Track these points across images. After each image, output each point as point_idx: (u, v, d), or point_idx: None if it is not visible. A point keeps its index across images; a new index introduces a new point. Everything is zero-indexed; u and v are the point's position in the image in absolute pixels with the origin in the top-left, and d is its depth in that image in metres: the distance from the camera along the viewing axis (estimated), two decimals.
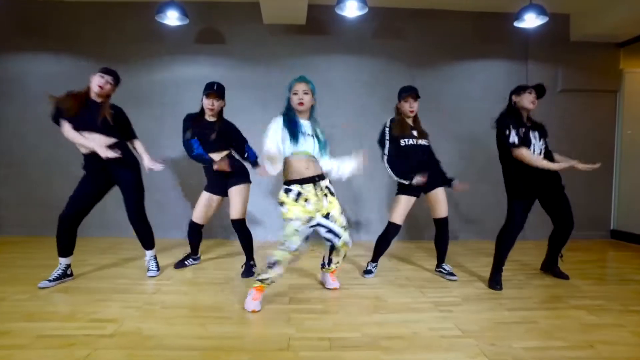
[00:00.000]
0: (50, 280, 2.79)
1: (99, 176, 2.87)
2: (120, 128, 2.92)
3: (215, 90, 3.01)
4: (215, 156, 3.06)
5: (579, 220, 4.78)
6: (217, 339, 2.02)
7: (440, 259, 3.19)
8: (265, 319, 2.29)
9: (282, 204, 2.46)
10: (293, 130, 2.44)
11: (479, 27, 4.71)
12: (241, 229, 3.16)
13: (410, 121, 3.06)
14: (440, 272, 3.19)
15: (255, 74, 4.57)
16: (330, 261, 2.80)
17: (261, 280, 2.43)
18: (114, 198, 3.07)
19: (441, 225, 3.11)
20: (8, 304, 2.44)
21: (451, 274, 3.12)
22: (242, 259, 3.29)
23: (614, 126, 4.85)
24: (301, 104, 2.46)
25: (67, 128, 2.73)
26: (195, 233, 3.32)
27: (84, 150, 2.82)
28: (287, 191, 2.46)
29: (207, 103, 3.03)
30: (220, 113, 3.15)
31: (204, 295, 2.67)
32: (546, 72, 4.72)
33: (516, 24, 4.09)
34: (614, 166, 4.89)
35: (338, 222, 2.54)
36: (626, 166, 4.80)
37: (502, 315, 2.38)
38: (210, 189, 3.22)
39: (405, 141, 2.98)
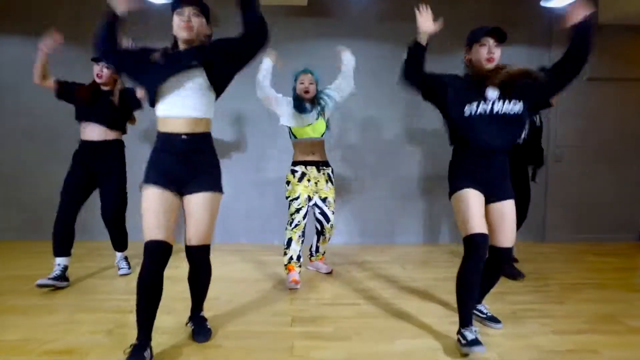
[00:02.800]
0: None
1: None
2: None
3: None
4: None
5: (605, 222, 4.45)
6: None
7: (481, 295, 2.20)
8: (263, 348, 1.86)
9: (288, 182, 2.83)
10: (298, 106, 2.76)
11: (497, 10, 4.25)
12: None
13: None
14: (475, 314, 2.12)
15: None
16: (317, 249, 3.09)
17: (288, 261, 2.74)
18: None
19: (499, 257, 2.01)
20: None
21: (493, 319, 2.14)
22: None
23: None
24: (307, 92, 2.77)
25: None
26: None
27: None
28: (293, 172, 2.81)
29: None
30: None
31: (184, 316, 2.08)
32: None
33: (542, 3, 3.70)
34: None
35: (331, 208, 2.87)
36: None
37: (551, 341, 1.95)
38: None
39: (471, 108, 2.01)
